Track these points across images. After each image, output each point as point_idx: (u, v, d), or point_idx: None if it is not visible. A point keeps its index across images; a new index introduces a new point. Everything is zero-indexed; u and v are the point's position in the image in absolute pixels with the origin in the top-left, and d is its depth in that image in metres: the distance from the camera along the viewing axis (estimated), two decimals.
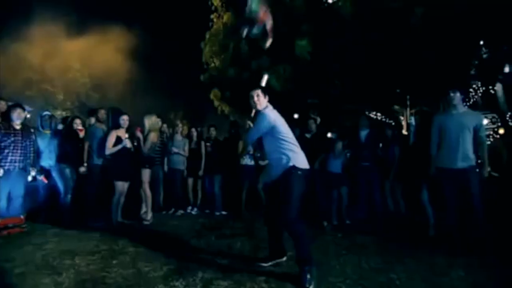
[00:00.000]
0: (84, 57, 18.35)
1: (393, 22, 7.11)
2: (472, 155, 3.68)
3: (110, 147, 4.54)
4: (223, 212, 5.56)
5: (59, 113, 16.50)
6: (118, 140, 4.60)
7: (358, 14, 7.40)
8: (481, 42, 8.40)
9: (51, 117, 5.06)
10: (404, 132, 8.97)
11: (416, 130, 4.79)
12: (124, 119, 4.71)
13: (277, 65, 8.38)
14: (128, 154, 4.70)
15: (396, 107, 13.02)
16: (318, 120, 6.58)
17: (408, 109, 12.47)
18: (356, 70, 7.88)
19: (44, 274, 2.83)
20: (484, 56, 8.79)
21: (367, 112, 11.33)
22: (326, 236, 4.28)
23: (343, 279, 2.84)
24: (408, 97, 11.20)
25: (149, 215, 4.89)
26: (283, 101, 8.54)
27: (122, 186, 4.66)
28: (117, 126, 4.69)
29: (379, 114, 13.62)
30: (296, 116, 9.41)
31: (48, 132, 4.84)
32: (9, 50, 15.06)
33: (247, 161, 5.51)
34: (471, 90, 11.74)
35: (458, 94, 3.77)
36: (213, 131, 5.90)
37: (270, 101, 3.13)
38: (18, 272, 2.88)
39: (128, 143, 4.68)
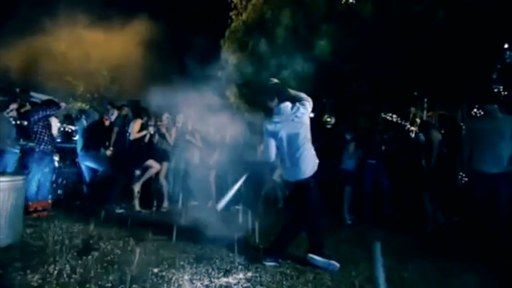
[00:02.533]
0: (103, 50, 18.76)
1: (414, 24, 7.04)
2: (506, 161, 3.65)
3: (135, 133, 4.76)
4: (237, 207, 5.68)
5: (79, 105, 17.02)
6: (142, 127, 4.82)
7: (378, 16, 7.37)
8: (506, 46, 8.20)
9: (80, 111, 5.34)
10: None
11: (442, 135, 4.86)
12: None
13: (296, 65, 8.43)
14: (140, 145, 4.90)
15: (412, 109, 12.84)
16: (333, 120, 6.64)
17: (424, 111, 12.28)
18: (374, 71, 7.85)
19: (71, 255, 3.02)
20: (508, 60, 8.58)
21: (383, 114, 11.24)
22: (340, 233, 4.35)
23: (355, 275, 2.92)
24: (425, 99, 11.03)
25: (165, 204, 5.11)
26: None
27: (126, 175, 4.88)
28: (140, 116, 4.89)
29: (394, 116, 13.45)
30: (311, 115, 9.42)
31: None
32: (34, 43, 15.59)
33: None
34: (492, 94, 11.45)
35: (496, 106, 3.77)
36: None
37: (287, 99, 3.18)
38: (48, 252, 3.08)
39: (151, 130, 4.91)
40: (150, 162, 4.89)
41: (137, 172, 4.96)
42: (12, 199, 3.24)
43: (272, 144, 3.08)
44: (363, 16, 7.53)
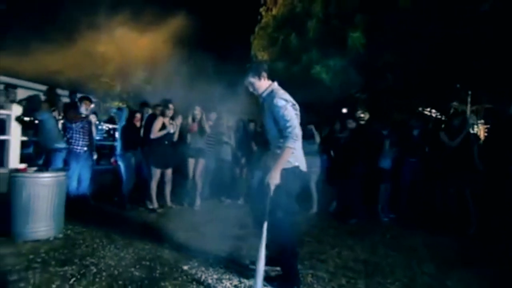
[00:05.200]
0: (138, 50, 19.48)
1: (458, 11, 6.50)
2: None
3: (155, 132, 4.83)
4: None
5: (116, 104, 17.86)
6: (163, 126, 4.87)
7: (417, 3, 6.88)
8: None
9: (125, 111, 5.54)
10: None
11: (489, 130, 4.50)
12: (170, 108, 4.96)
13: (328, 59, 8.16)
14: (168, 143, 4.93)
15: (455, 103, 11.97)
16: (367, 115, 6.33)
17: (468, 106, 11.40)
18: (412, 63, 7.37)
19: (107, 249, 3.14)
20: None
21: (420, 109, 10.58)
22: (374, 236, 4.16)
23: (392, 281, 2.75)
24: (469, 93, 10.21)
25: (197, 202, 5.17)
26: (332, 95, 8.34)
27: (158, 172, 4.91)
28: (164, 113, 4.95)
29: (433, 110, 12.64)
30: (344, 110, 9.11)
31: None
32: (74, 46, 16.58)
33: None
34: None
35: None
36: (251, 126, 6.06)
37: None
38: (87, 244, 3.24)
39: (171, 129, 4.91)
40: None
41: (168, 171, 5.03)
42: (55, 194, 3.43)
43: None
44: (400, 4, 7.07)
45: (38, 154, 5.35)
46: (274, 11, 10.74)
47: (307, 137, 5.43)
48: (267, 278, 2.60)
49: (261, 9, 11.44)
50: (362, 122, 5.74)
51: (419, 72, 7.56)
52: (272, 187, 2.35)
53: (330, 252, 3.43)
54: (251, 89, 2.69)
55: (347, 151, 4.97)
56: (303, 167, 2.55)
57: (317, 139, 5.41)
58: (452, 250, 3.73)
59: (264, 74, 2.63)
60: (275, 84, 2.66)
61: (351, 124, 5.13)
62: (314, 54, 8.50)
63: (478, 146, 4.64)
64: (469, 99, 11.09)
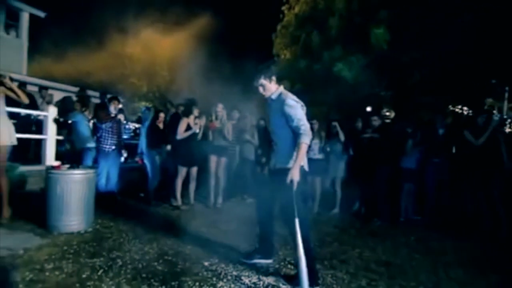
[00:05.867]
0: (163, 51, 20.04)
1: (491, 2, 6.14)
2: None
3: (181, 133, 4.95)
4: None
5: (143, 104, 18.49)
6: (188, 127, 4.98)
7: None
8: None
9: (151, 110, 5.74)
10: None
11: None
12: (195, 108, 5.05)
13: (350, 56, 7.99)
14: (193, 142, 5.01)
15: (490, 100, 11.29)
16: (393, 113, 6.13)
17: (505, 102, 10.73)
18: (441, 58, 7.04)
19: (133, 243, 3.28)
20: None
21: (450, 107, 10.07)
22: (397, 237, 4.05)
23: (416, 284, 2.67)
24: (507, 89, 9.60)
25: (219, 200, 5.25)
26: (355, 93, 8.17)
27: (184, 171, 5.02)
28: (188, 114, 5.06)
29: (465, 108, 11.99)
30: (369, 109, 8.87)
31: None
32: (106, 50, 17.37)
33: (312, 154, 5.32)
34: None
35: None
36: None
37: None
38: (114, 238, 3.40)
39: (196, 129, 4.99)
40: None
41: (193, 169, 5.14)
42: (86, 190, 3.63)
43: None
44: None
45: (70, 153, 5.69)
46: (296, 9, 10.67)
47: (331, 135, 5.37)
48: (286, 277, 2.63)
49: (283, 8, 11.40)
50: (387, 121, 5.55)
51: (449, 67, 7.21)
52: (295, 184, 2.45)
53: (351, 252, 3.39)
54: (261, 90, 2.80)
55: (372, 150, 4.84)
56: (306, 167, 2.68)
57: (341, 137, 5.32)
58: (481, 255, 3.56)
59: (274, 77, 2.78)
60: (282, 87, 2.82)
61: (376, 122, 4.99)
62: (337, 51, 8.36)
63: (507, 144, 4.35)
64: (506, 95, 10.44)
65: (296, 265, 2.45)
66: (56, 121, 5.68)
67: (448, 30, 6.59)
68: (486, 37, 6.54)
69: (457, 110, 11.43)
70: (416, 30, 6.92)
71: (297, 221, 2.41)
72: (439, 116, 5.30)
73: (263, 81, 2.75)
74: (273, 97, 2.78)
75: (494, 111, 9.94)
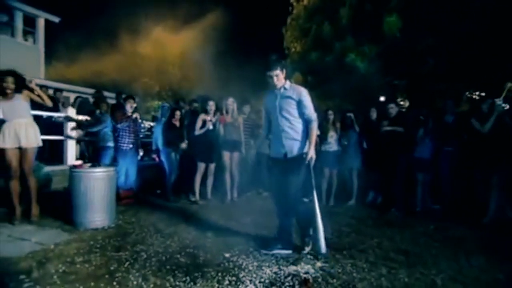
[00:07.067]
0: (174, 49, 20.21)
1: None
2: None
3: (198, 130, 5.04)
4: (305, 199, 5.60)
5: (156, 103, 18.78)
6: (204, 123, 5.04)
7: None
8: None
9: (169, 108, 5.84)
10: None
11: None
12: (210, 105, 5.12)
13: (362, 45, 7.86)
14: (209, 138, 5.07)
15: (510, 84, 10.87)
16: (407, 103, 6.03)
17: None
18: (457, 43, 6.82)
19: (155, 237, 3.39)
20: None
21: (467, 93, 9.77)
22: (415, 227, 4.02)
23: (436, 272, 2.66)
24: None
25: (235, 194, 5.32)
26: (368, 83, 8.04)
27: (203, 167, 5.11)
28: (205, 111, 5.13)
29: (483, 94, 11.60)
30: (382, 98, 8.73)
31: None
32: (118, 51, 17.70)
33: (328, 147, 5.29)
34: None
35: None
36: None
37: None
38: (136, 233, 3.52)
39: (210, 125, 5.03)
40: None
41: (212, 165, 5.20)
42: (107, 187, 3.77)
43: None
44: None
45: (91, 152, 5.88)
46: (305, 1, 10.55)
47: (346, 126, 5.34)
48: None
49: (292, 0, 11.30)
50: (402, 110, 5.43)
51: (465, 52, 6.99)
52: (312, 162, 2.94)
53: (370, 242, 3.40)
54: (275, 80, 2.99)
55: (389, 139, 4.77)
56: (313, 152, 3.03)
57: (356, 128, 5.29)
58: (503, 242, 3.49)
59: (285, 70, 3.04)
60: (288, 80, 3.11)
61: (393, 109, 4.90)
62: (348, 41, 8.24)
63: None
64: None
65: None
66: (73, 121, 5.81)
67: (465, 13, 6.36)
68: (504, 18, 6.27)
69: (474, 96, 11.09)
70: (430, 15, 6.73)
71: (315, 193, 2.97)
72: (449, 103, 5.17)
73: (279, 71, 2.97)
74: (287, 86, 3.04)
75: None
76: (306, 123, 3.00)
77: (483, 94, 11.07)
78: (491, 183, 4.22)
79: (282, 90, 3.03)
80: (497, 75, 8.61)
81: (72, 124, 5.70)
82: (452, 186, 4.81)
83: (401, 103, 6.02)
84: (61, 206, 4.03)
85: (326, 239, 2.97)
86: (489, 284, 2.52)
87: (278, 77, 2.97)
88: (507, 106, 4.37)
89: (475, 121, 4.41)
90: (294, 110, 2.98)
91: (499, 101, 4.27)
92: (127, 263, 2.69)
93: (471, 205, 4.61)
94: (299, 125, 2.99)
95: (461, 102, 8.76)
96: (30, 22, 11.66)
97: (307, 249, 3.05)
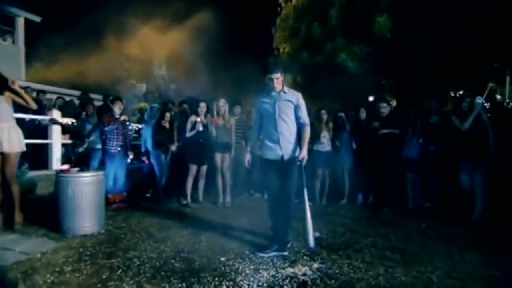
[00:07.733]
0: (161, 50, 19.99)
1: None
2: None
3: (188, 132, 4.96)
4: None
5: (142, 104, 18.46)
6: (194, 125, 4.94)
7: None
8: None
9: (158, 109, 5.70)
10: None
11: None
12: (201, 106, 5.03)
13: (353, 46, 7.91)
14: (201, 140, 4.98)
15: (491, 84, 11.21)
16: (395, 102, 6.10)
17: (507, 87, 10.65)
18: (444, 44, 6.96)
19: (147, 242, 3.29)
20: None
21: (451, 93, 10.02)
22: (408, 225, 4.06)
23: (432, 269, 2.68)
24: (508, 71, 9.53)
25: (227, 196, 5.19)
26: (358, 83, 8.11)
27: (195, 169, 5.01)
28: (195, 112, 5.04)
29: (466, 93, 11.93)
30: (371, 98, 8.83)
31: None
32: (103, 52, 17.35)
33: (320, 146, 5.27)
34: None
35: None
36: None
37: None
38: (128, 238, 3.41)
39: (200, 127, 4.94)
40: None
41: (203, 167, 5.11)
42: (96, 192, 3.63)
43: None
44: None
45: (77, 155, 5.68)
46: (293, 1, 10.57)
47: (338, 126, 5.35)
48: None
49: (280, 0, 11.30)
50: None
51: (452, 53, 7.15)
52: (304, 162, 2.95)
53: (365, 241, 3.40)
54: (274, 83, 2.99)
55: (381, 139, 4.79)
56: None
57: (347, 127, 5.31)
58: (494, 239, 3.56)
59: (284, 73, 3.09)
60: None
61: (385, 109, 4.89)
62: (338, 42, 8.27)
63: (494, 129, 4.30)
64: (507, 79, 10.38)
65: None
66: (59, 124, 5.64)
67: (454, 14, 6.49)
68: (489, 19, 6.43)
69: (458, 96, 11.37)
70: (419, 16, 6.83)
71: (305, 191, 3.04)
72: (434, 103, 5.24)
73: (279, 75, 2.99)
74: (286, 90, 3.07)
75: (497, 96, 9.89)
76: (300, 126, 3.10)
77: (466, 93, 11.37)
78: (475, 180, 4.30)
79: (281, 93, 3.06)
80: (482, 75, 8.87)
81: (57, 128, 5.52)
82: (439, 185, 4.86)
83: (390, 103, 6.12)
84: (46, 212, 3.87)
85: (318, 238, 3.12)
86: (483, 279, 2.55)
87: (279, 80, 3.00)
88: (484, 102, 4.46)
89: (455, 119, 4.48)
90: (292, 114, 3.06)
91: (478, 100, 4.37)
92: (120, 270, 2.59)
93: (459, 203, 4.68)
94: (294, 128, 3.09)
95: (446, 102, 8.98)
96: (9, 22, 11.25)
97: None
